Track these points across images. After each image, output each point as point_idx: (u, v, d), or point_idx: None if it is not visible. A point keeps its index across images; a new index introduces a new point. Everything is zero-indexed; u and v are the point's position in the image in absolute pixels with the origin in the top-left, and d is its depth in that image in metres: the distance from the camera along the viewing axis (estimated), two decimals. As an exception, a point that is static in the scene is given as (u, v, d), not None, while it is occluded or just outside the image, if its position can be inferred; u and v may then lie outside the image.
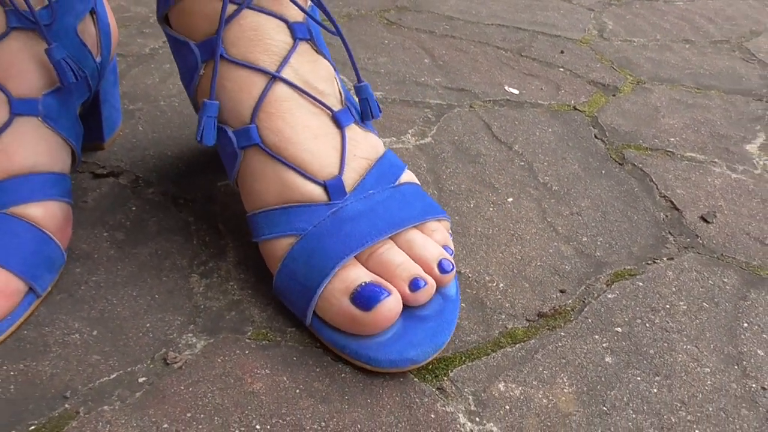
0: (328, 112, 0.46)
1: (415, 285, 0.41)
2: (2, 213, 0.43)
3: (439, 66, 0.85)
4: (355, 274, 0.41)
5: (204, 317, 0.45)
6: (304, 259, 0.42)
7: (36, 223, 0.44)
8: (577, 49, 0.94)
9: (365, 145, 0.46)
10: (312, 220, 0.43)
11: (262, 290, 0.48)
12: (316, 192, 0.44)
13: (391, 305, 0.40)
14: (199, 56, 0.45)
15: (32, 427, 0.38)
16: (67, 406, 0.39)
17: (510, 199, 0.60)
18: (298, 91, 0.45)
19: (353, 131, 0.46)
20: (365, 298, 0.40)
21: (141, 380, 0.41)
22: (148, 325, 0.45)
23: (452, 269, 0.43)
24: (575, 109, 0.77)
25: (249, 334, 0.44)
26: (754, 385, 0.43)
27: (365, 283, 0.40)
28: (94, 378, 0.41)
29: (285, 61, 0.45)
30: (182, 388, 0.40)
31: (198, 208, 0.56)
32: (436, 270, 0.42)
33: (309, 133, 0.44)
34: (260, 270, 0.49)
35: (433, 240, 0.44)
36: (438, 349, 0.42)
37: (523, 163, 0.66)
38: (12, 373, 0.41)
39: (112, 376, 0.41)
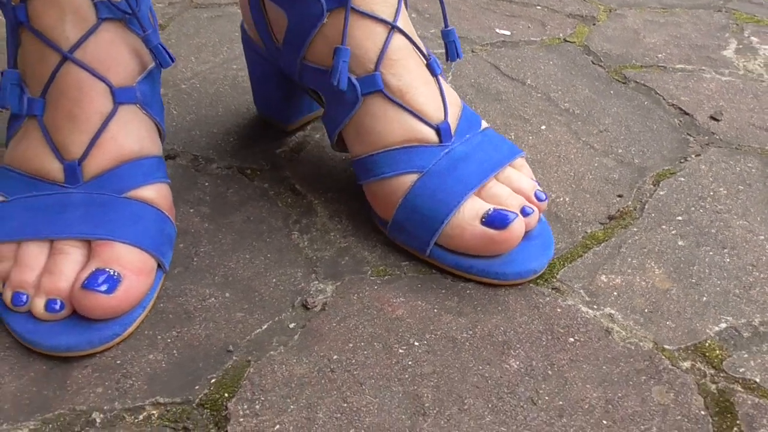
0: (425, 60, 0.50)
1: (525, 212, 0.47)
2: (123, 198, 0.45)
3: (428, 19, 0.89)
4: (479, 204, 0.47)
5: (321, 266, 0.49)
6: (429, 194, 0.47)
7: (154, 204, 0.46)
8: (544, -13, 1.00)
9: (453, 94, 0.52)
10: (431, 160, 0.48)
11: (363, 235, 0.52)
12: (431, 134, 0.49)
13: (520, 224, 0.46)
14: (325, 5, 0.48)
15: (213, 380, 0.41)
16: (235, 357, 0.42)
17: (543, 127, 0.66)
18: (409, 40, 0.49)
19: (442, 80, 0.51)
20: (499, 219, 0.45)
21: (291, 326, 0.44)
22: (274, 280, 0.48)
23: (546, 198, 0.49)
24: (566, 41, 0.83)
25: (369, 273, 0.48)
26: (803, 244, 0.51)
27: (493, 209, 0.46)
28: (247, 332, 0.44)
29: (398, 12, 0.49)
30: (334, 325, 0.44)
31: (268, 176, 0.58)
32: (534, 199, 0.48)
33: (422, 80, 0.49)
34: (354, 219, 0.53)
35: (524, 174, 0.50)
36: (549, 259, 0.48)
37: (540, 95, 0.71)
38: (168, 341, 0.43)
39: (263, 327, 0.44)
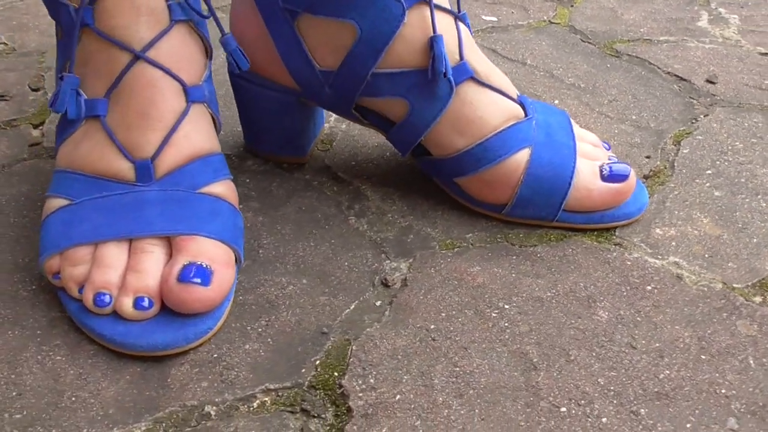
0: None
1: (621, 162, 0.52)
2: (198, 194, 0.45)
3: (412, 11, 0.91)
4: (586, 162, 0.50)
5: (388, 246, 0.50)
6: (546, 163, 0.49)
7: (226, 200, 0.46)
8: (514, -25, 1.03)
9: None
10: (529, 132, 0.50)
11: (420, 213, 0.53)
12: (519, 109, 0.51)
13: (633, 172, 0.51)
14: (405, 3, 0.47)
15: (318, 361, 0.41)
16: (332, 338, 0.42)
17: (556, 102, 0.68)
18: (466, 26, 0.51)
19: None
20: (618, 173, 0.50)
21: (377, 303, 0.45)
22: (346, 263, 0.48)
23: (610, 147, 0.55)
24: (551, 23, 0.86)
25: (437, 247, 0.49)
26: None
27: (606, 166, 0.50)
28: (336, 313, 0.44)
29: (449, 1, 0.50)
30: (420, 298, 0.45)
31: (307, 168, 0.58)
32: (603, 149, 0.53)
33: (489, 60, 0.51)
34: (406, 199, 0.54)
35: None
36: (645, 191, 0.53)
37: (543, 73, 0.74)
38: (259, 330, 0.43)
39: (351, 307, 0.45)
